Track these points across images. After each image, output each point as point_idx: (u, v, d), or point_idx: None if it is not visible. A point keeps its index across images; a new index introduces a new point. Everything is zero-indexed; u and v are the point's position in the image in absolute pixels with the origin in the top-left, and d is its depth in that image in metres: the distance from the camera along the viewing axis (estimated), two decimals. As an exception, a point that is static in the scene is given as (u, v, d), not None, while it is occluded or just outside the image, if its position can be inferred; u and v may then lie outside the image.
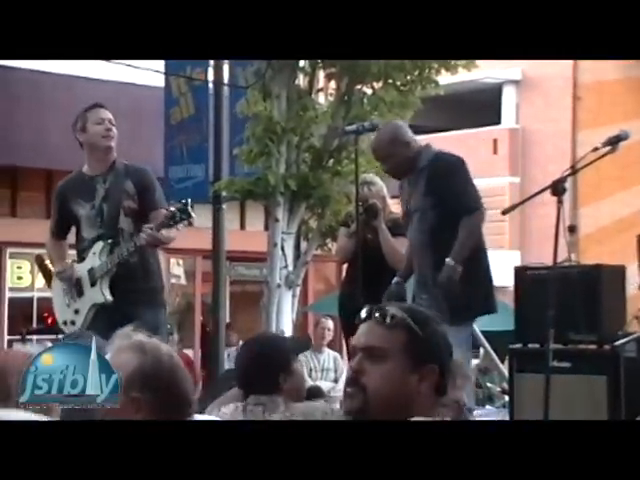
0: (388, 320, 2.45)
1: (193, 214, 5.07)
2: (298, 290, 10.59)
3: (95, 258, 5.26)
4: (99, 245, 5.30)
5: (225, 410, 3.41)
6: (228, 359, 11.48)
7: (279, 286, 10.25)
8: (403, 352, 2.42)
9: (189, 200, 5.15)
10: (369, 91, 10.59)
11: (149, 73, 11.37)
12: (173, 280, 14.16)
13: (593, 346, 6.31)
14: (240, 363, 3.73)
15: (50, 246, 5.63)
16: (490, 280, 5.71)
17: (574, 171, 5.59)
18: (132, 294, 5.37)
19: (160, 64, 11.59)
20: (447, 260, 5.12)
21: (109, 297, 5.24)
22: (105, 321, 5.05)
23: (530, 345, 6.49)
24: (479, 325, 9.23)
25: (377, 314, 2.48)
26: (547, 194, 4.97)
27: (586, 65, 9.32)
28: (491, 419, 6.48)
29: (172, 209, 5.15)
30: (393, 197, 6.96)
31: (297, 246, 10.86)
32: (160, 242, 5.46)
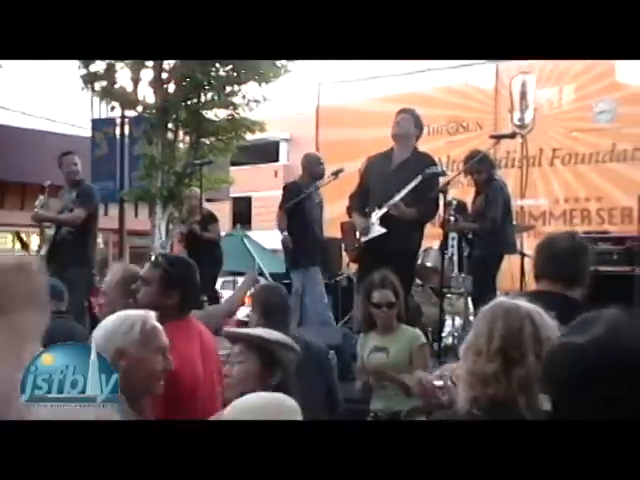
0: (154, 262, 3.32)
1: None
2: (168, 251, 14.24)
3: None
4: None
5: None
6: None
7: (156, 249, 14.22)
8: (157, 281, 3.32)
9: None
10: (207, 141, 15.36)
11: (83, 129, 16.48)
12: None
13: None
14: None
15: None
16: None
17: (317, 188, 7.76)
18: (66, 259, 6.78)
19: (87, 122, 16.61)
20: None
21: None
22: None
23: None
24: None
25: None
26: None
27: (325, 129, 12.57)
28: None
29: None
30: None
31: (167, 227, 14.91)
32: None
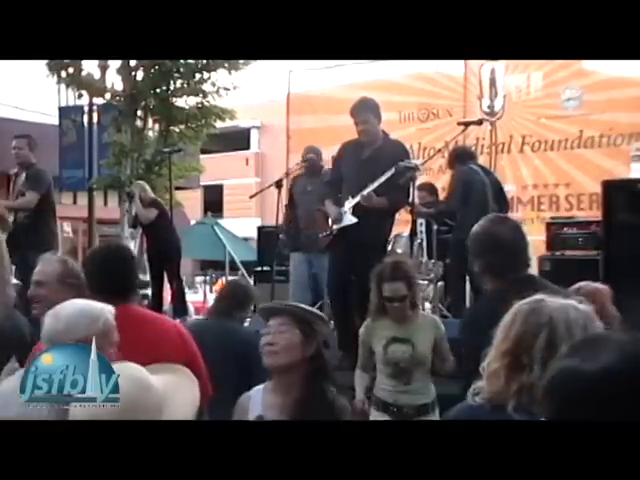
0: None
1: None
2: (139, 240, 12.84)
3: None
4: None
5: None
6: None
7: (126, 238, 13.90)
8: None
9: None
10: (177, 129, 15.33)
11: (51, 118, 16.54)
12: (65, 234, 17.64)
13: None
14: None
15: None
16: None
17: (287, 174, 7.94)
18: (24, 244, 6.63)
19: (55, 110, 16.60)
20: None
21: None
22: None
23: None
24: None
25: None
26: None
27: (296, 117, 12.81)
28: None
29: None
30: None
31: (136, 215, 12.84)
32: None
